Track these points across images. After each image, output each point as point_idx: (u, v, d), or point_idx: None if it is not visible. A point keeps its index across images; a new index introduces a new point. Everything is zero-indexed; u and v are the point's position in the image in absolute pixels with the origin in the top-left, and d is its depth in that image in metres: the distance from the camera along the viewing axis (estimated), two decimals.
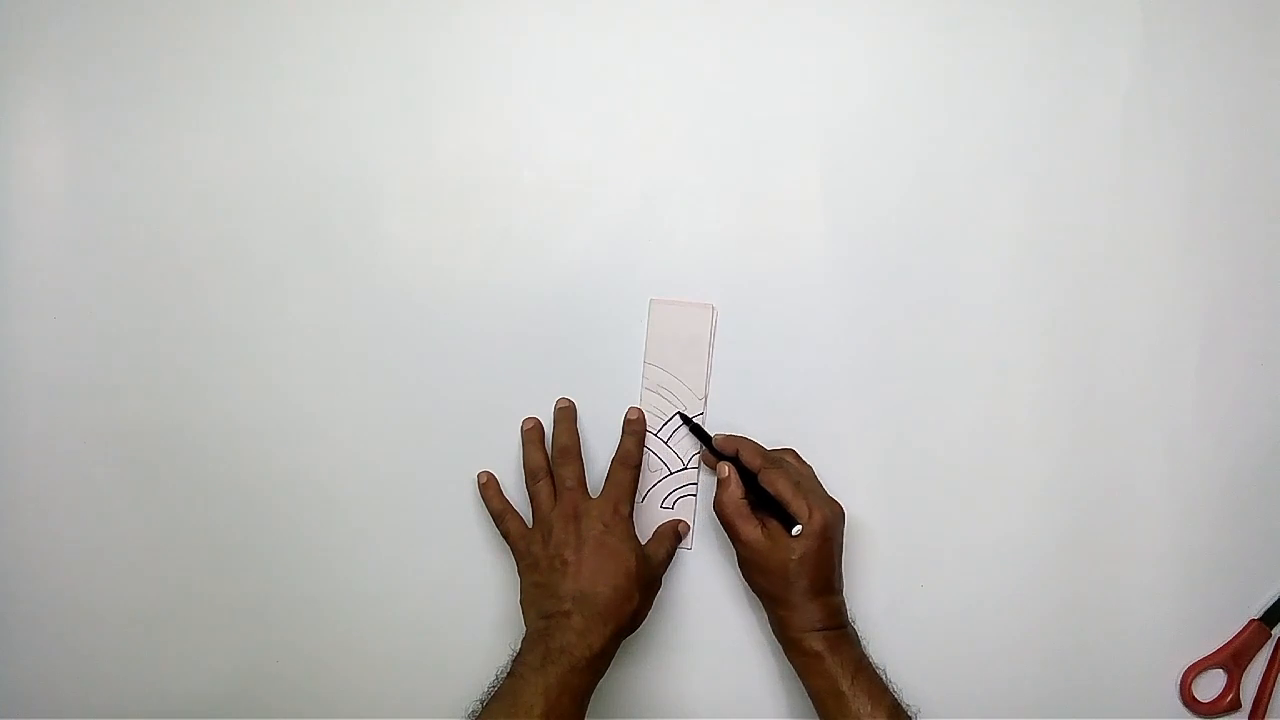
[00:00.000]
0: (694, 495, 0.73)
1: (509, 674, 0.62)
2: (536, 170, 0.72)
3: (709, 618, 0.73)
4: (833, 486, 0.69)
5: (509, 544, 0.70)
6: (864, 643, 0.67)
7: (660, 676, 0.73)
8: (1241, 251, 0.72)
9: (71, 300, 0.73)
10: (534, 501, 0.70)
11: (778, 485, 0.66)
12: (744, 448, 0.68)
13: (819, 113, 0.72)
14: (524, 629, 0.66)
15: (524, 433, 0.72)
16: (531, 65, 0.72)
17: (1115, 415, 0.72)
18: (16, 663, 0.74)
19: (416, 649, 0.73)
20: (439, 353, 0.73)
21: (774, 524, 0.66)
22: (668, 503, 0.73)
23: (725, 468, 0.67)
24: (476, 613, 0.73)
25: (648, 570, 0.68)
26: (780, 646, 0.68)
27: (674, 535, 0.71)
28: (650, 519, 0.72)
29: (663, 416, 0.72)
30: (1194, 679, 0.72)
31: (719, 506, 0.67)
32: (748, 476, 0.67)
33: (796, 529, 0.65)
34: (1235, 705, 0.72)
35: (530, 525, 0.70)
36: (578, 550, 0.66)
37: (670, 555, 0.71)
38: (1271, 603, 0.72)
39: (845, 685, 0.63)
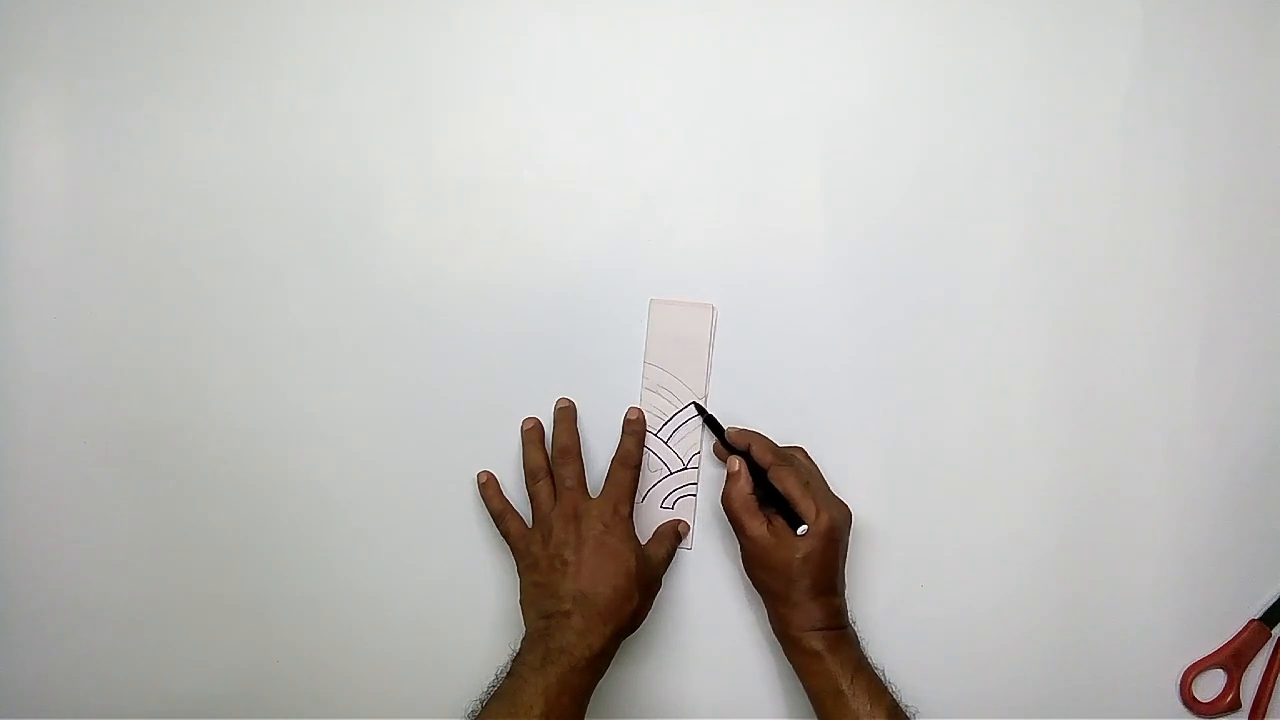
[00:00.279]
0: (694, 495, 0.73)
1: (509, 674, 0.62)
2: (536, 170, 0.72)
3: (709, 618, 0.73)
4: (833, 486, 0.69)
5: (509, 544, 0.70)
6: (863, 642, 0.67)
7: (660, 676, 0.73)
8: (1241, 251, 0.72)
9: (71, 300, 0.73)
10: (534, 501, 0.70)
11: (787, 483, 0.66)
12: (756, 443, 0.68)
13: (819, 113, 0.72)
14: (524, 629, 0.66)
15: (524, 433, 0.72)
16: (531, 65, 0.72)
17: (1115, 415, 0.72)
18: (16, 663, 0.74)
19: (416, 649, 0.73)
20: (439, 353, 0.73)
21: (780, 521, 0.66)
22: (668, 503, 0.73)
23: (736, 461, 0.67)
24: (476, 613, 0.73)
25: (648, 570, 0.68)
26: (780, 646, 0.68)
27: (674, 535, 0.71)
28: (650, 519, 0.72)
29: (663, 416, 0.72)
30: (1194, 679, 0.72)
31: (727, 500, 0.67)
32: (757, 472, 0.67)
33: (802, 528, 0.65)
34: (1235, 705, 0.72)
35: (530, 525, 0.70)
36: (578, 550, 0.66)
37: (670, 555, 0.71)
38: (1271, 603, 0.72)
39: (844, 685, 0.63)
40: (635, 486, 0.70)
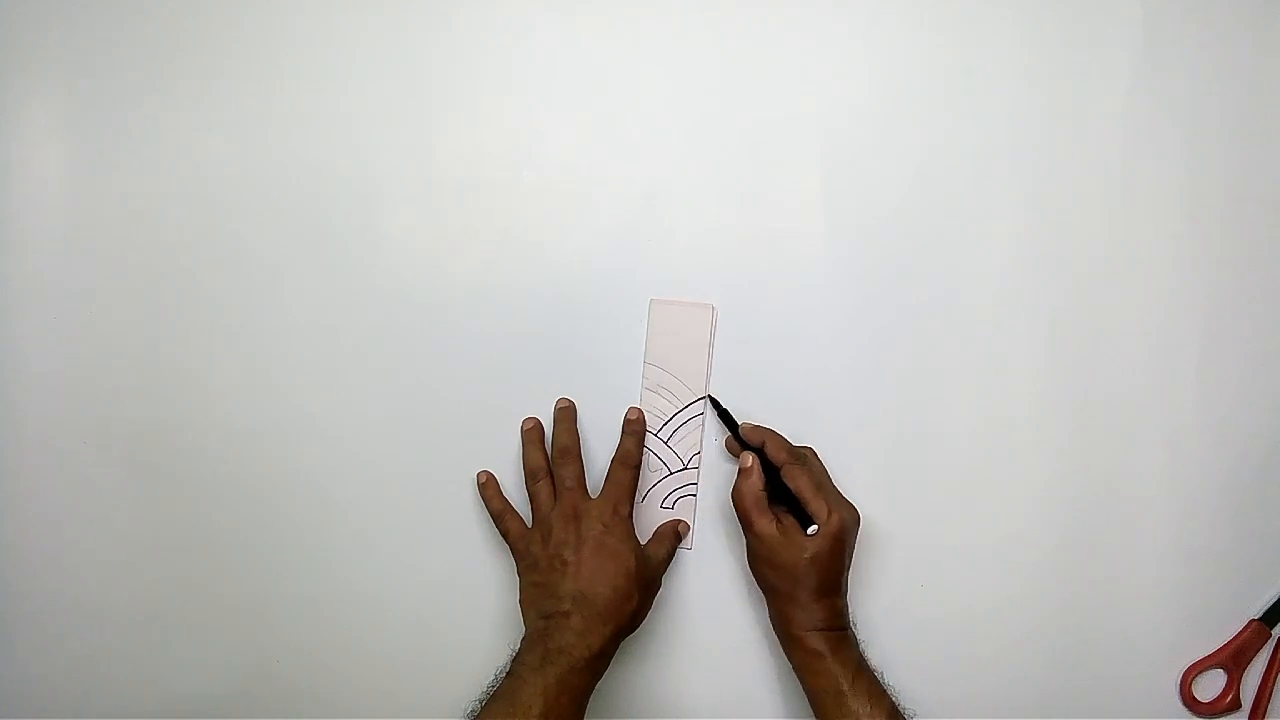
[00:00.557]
0: (694, 495, 0.73)
1: (508, 674, 0.62)
2: (536, 170, 0.72)
3: (709, 618, 0.73)
4: None
5: (509, 544, 0.70)
6: (864, 643, 0.67)
7: (660, 676, 0.73)
8: (1241, 251, 0.72)
9: (71, 300, 0.73)
10: (534, 501, 0.70)
11: (799, 482, 0.66)
12: (771, 440, 0.68)
13: (819, 113, 0.72)
14: (523, 629, 0.66)
15: (524, 433, 0.72)
16: (531, 65, 0.72)
17: (1115, 415, 0.72)
18: (16, 663, 0.74)
19: (416, 649, 0.73)
20: (439, 353, 0.73)
21: (790, 520, 0.66)
22: (668, 503, 0.73)
23: (749, 457, 0.67)
24: (476, 613, 0.73)
25: (647, 570, 0.68)
26: (779, 645, 0.68)
27: (674, 535, 0.71)
28: (650, 519, 0.72)
29: (663, 416, 0.72)
30: (1194, 679, 0.72)
31: (737, 495, 0.67)
32: (766, 470, 0.67)
33: (813, 528, 0.65)
34: (1235, 705, 0.72)
35: (530, 525, 0.70)
36: (577, 550, 0.66)
37: (670, 555, 0.71)
38: (1271, 603, 0.72)
39: (845, 685, 0.63)
40: (635, 486, 0.70)
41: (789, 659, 0.67)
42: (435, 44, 0.72)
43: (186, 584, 0.73)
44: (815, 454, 0.70)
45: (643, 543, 0.69)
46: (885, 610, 0.71)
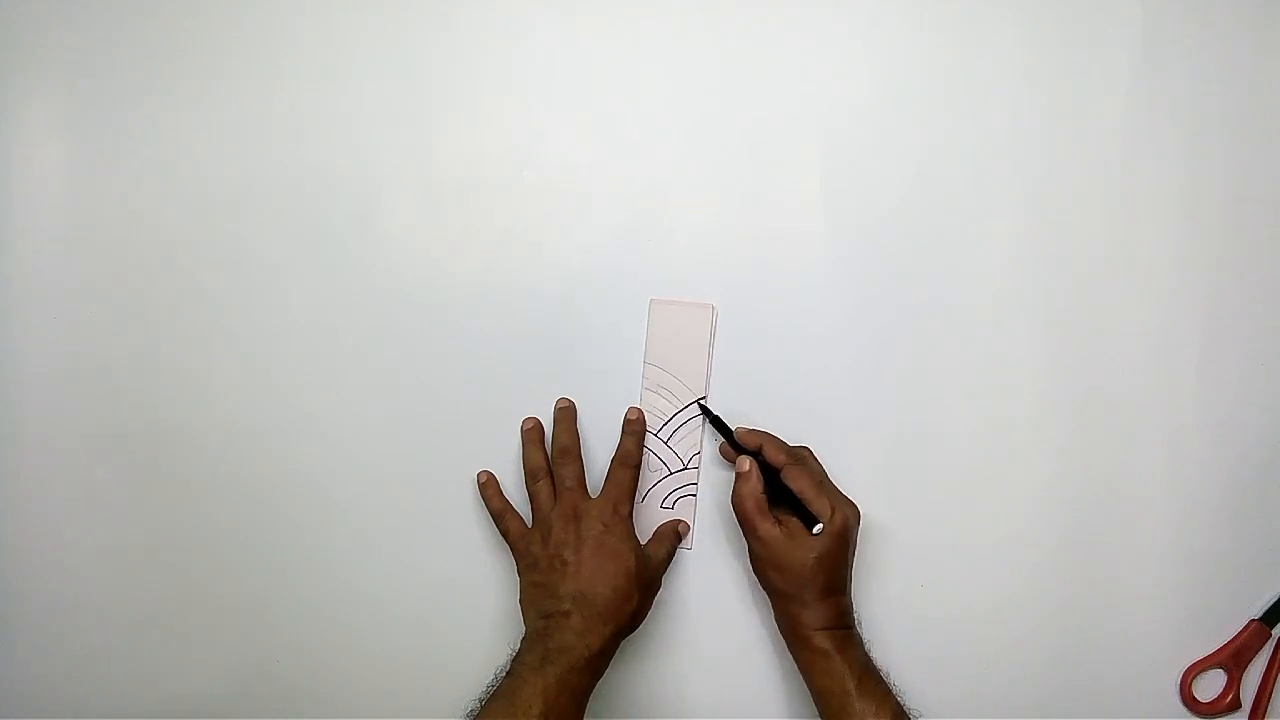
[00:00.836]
0: (694, 495, 0.73)
1: (508, 674, 0.62)
2: (536, 170, 0.72)
3: (709, 618, 0.73)
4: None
5: (509, 544, 0.70)
6: (866, 643, 0.67)
7: (660, 676, 0.73)
8: (1241, 251, 0.72)
9: (71, 300, 0.73)
10: (534, 501, 0.70)
11: (801, 483, 0.66)
12: (768, 443, 0.68)
13: (819, 113, 0.72)
14: (523, 629, 0.66)
15: (524, 433, 0.72)
16: (531, 65, 0.72)
17: (1115, 415, 0.72)
18: (16, 663, 0.74)
19: (416, 649, 0.73)
20: (439, 352, 0.73)
21: (794, 521, 0.66)
22: (668, 503, 0.73)
23: (746, 462, 0.67)
24: (476, 613, 0.73)
25: (647, 570, 0.68)
26: (783, 645, 0.68)
27: (674, 535, 0.71)
28: (650, 519, 0.72)
29: (663, 416, 0.72)
30: (1194, 679, 0.72)
31: (738, 500, 0.66)
32: (765, 472, 0.67)
33: (818, 528, 0.64)
34: (1235, 705, 0.72)
35: (530, 525, 0.70)
36: (577, 550, 0.66)
37: (670, 555, 0.71)
38: (1271, 603, 0.72)
39: (851, 685, 0.63)
40: (635, 486, 0.70)
41: (795, 659, 0.67)
42: (435, 44, 0.72)
43: (186, 584, 0.73)
44: (812, 453, 0.70)
45: (643, 543, 0.69)
46: (885, 610, 0.71)
